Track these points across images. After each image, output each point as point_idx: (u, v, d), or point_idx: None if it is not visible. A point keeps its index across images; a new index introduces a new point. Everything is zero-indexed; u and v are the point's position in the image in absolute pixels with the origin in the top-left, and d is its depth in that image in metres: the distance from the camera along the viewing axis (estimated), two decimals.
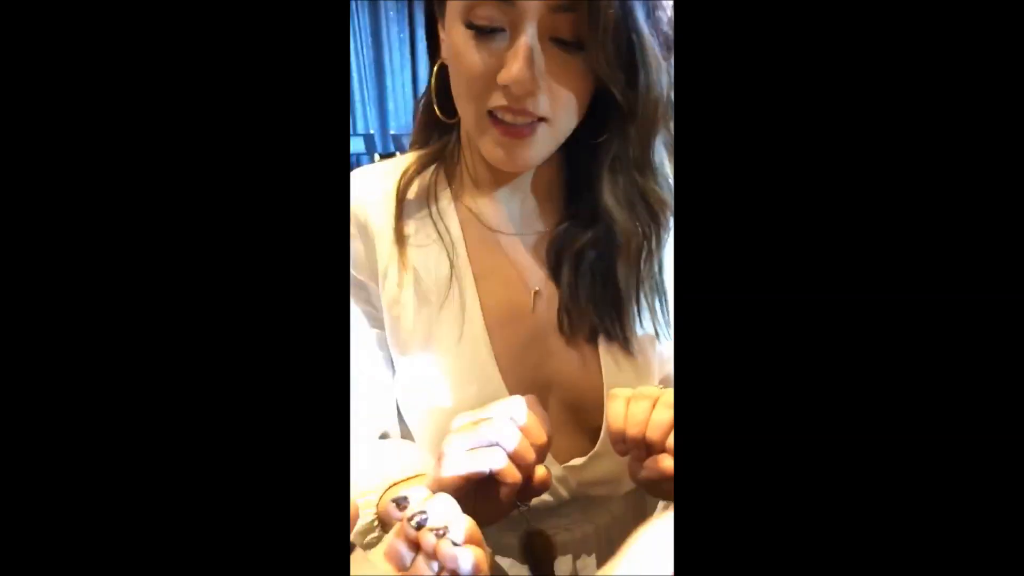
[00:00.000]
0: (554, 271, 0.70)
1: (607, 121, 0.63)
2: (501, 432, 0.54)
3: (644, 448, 0.57)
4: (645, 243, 0.68)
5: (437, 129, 0.73)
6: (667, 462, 0.56)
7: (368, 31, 5.15)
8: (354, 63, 5.13)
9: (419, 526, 0.46)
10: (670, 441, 0.56)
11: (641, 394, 0.58)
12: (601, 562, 0.75)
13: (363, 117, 5.25)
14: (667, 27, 0.61)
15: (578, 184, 0.69)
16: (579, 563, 0.74)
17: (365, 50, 5.18)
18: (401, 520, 0.47)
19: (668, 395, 0.58)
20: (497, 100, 0.59)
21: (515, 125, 0.60)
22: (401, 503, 0.49)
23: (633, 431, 0.57)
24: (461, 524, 0.47)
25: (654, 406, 0.57)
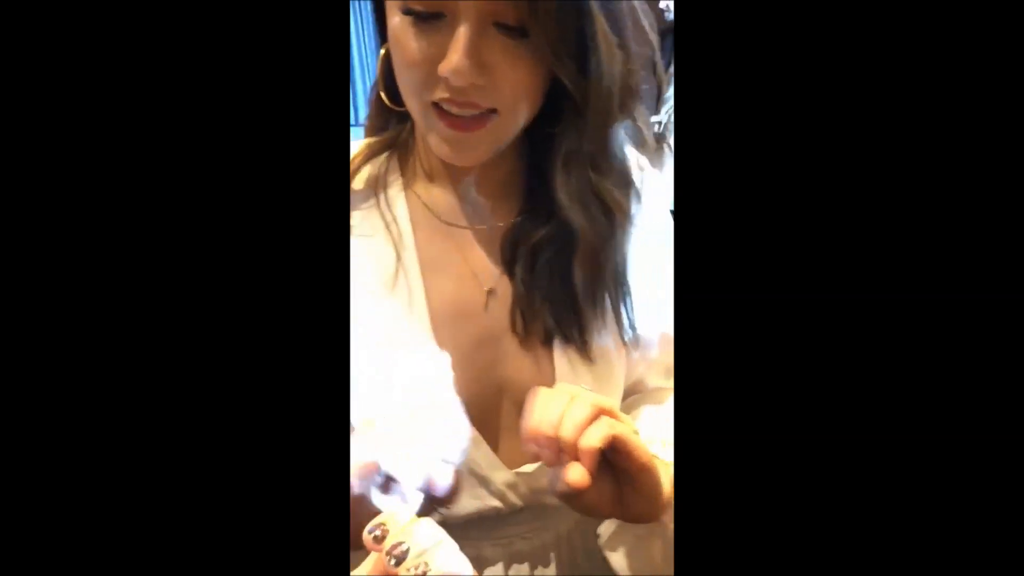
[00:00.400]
0: (509, 268, 0.66)
1: (561, 111, 0.59)
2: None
3: (556, 451, 0.51)
4: (602, 244, 0.63)
5: (393, 115, 0.68)
6: (574, 473, 0.49)
7: (371, 19, 5.12)
8: (355, 53, 5.11)
9: (398, 561, 0.41)
10: (586, 443, 0.50)
11: (561, 391, 0.54)
12: (561, 570, 0.72)
13: (365, 107, 5.24)
14: (628, 13, 0.58)
15: (535, 176, 0.65)
16: (536, 572, 0.71)
17: (367, 39, 5.16)
18: (379, 553, 0.42)
19: (589, 394, 0.53)
20: (441, 92, 0.55)
21: (463, 117, 0.56)
22: (378, 533, 0.43)
23: (545, 429, 0.51)
24: (448, 550, 0.43)
25: (571, 402, 0.52)
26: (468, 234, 0.67)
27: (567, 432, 0.50)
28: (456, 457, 0.50)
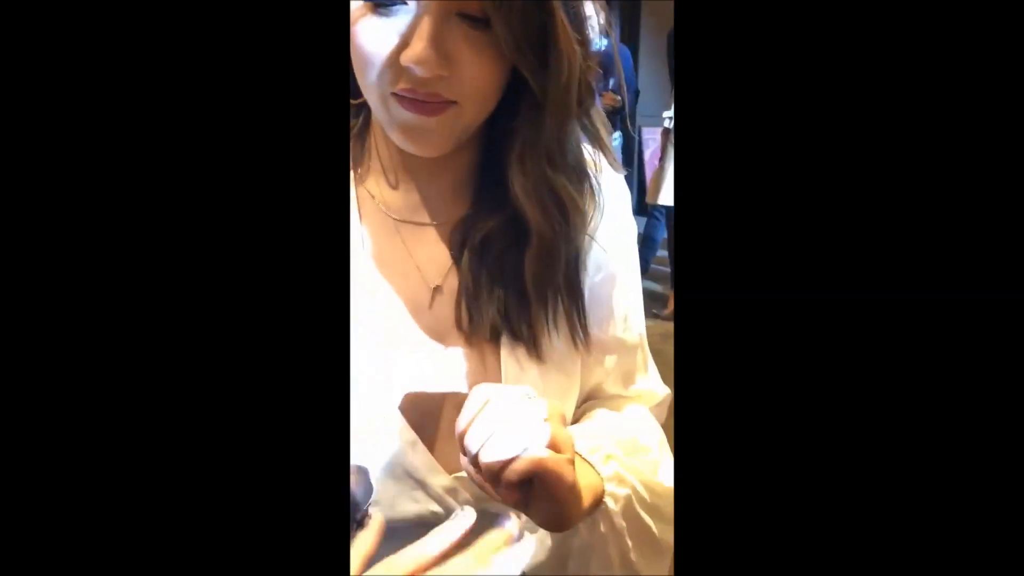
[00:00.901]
0: (457, 263, 0.65)
1: (519, 105, 0.58)
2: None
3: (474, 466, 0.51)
4: (555, 239, 0.62)
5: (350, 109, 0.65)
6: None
7: None
8: None
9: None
10: (486, 457, 0.49)
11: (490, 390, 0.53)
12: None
13: None
14: (590, 11, 0.57)
15: (492, 168, 0.64)
16: None
17: None
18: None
19: (505, 392, 0.52)
20: (403, 83, 0.53)
21: (425, 102, 0.54)
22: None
23: (464, 452, 0.51)
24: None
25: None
26: (418, 231, 0.66)
27: (467, 441, 0.50)
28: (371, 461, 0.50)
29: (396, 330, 0.63)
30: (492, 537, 0.46)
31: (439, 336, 0.64)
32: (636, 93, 4.30)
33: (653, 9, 5.53)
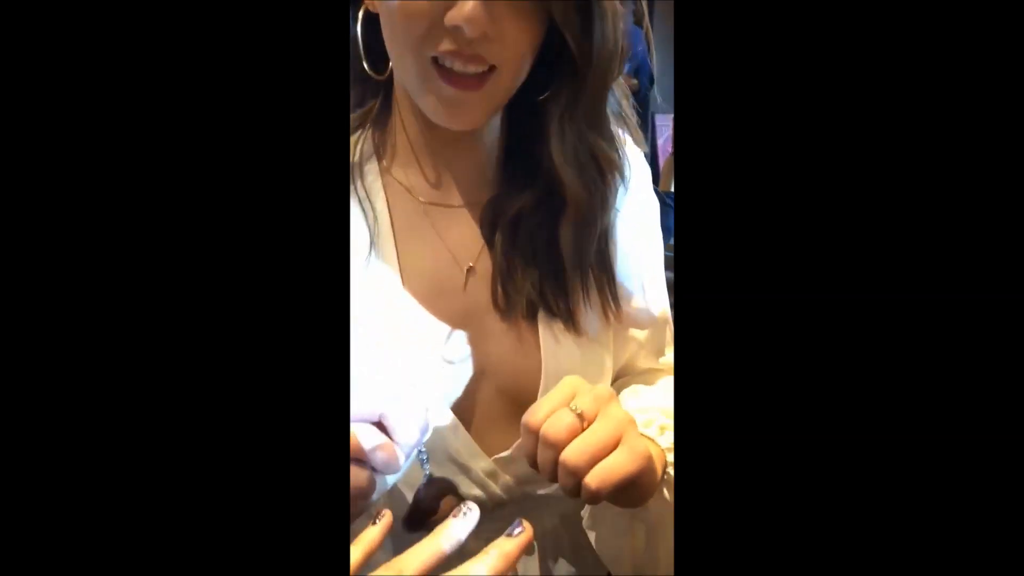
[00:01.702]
0: (489, 243, 0.64)
1: (555, 74, 0.58)
2: None
3: (557, 469, 0.50)
4: (592, 204, 0.62)
5: (368, 88, 0.64)
6: (597, 486, 0.48)
7: None
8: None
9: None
10: (595, 486, 0.48)
11: (588, 392, 0.52)
12: (545, 566, 0.70)
13: None
14: None
15: (520, 147, 0.63)
16: (520, 568, 0.69)
17: None
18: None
19: (616, 408, 0.52)
20: (446, 44, 0.52)
21: (465, 75, 0.53)
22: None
23: (545, 444, 0.50)
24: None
25: (587, 423, 0.50)
26: (447, 213, 0.65)
27: (573, 458, 0.49)
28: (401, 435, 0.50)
29: (430, 313, 0.62)
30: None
31: (476, 317, 0.64)
32: (651, 78, 4.28)
33: None
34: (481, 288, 0.65)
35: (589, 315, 0.65)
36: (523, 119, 0.62)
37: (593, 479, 0.49)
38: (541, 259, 0.63)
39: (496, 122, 0.63)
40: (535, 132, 0.61)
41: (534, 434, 0.50)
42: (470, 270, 0.65)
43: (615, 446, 0.50)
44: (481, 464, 0.63)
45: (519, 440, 0.59)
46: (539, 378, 0.63)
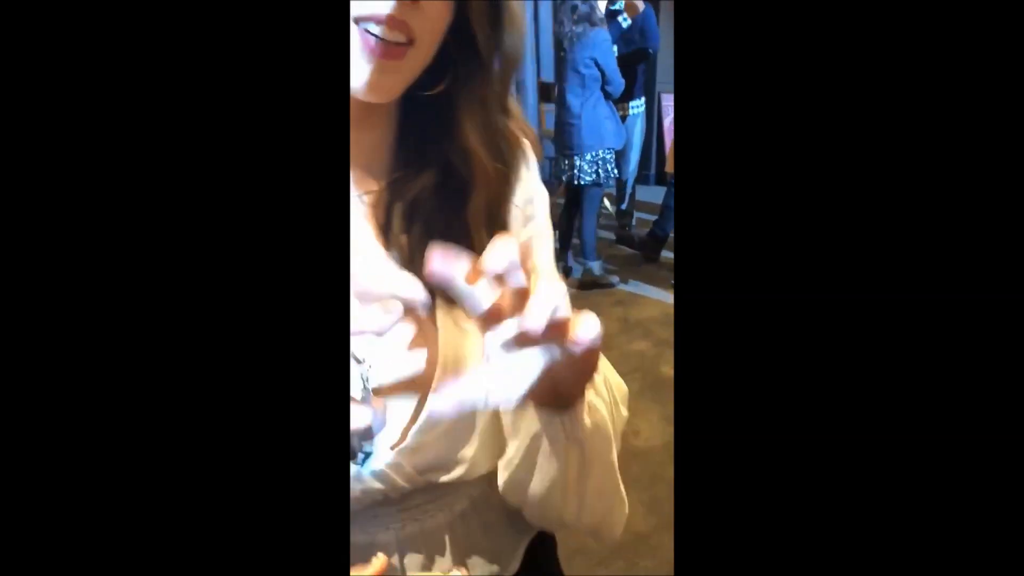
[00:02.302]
0: (385, 228, 0.64)
1: (457, 64, 0.61)
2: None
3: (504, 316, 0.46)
4: (504, 185, 0.65)
5: None
6: (587, 326, 0.43)
7: None
8: None
9: None
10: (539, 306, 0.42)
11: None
12: (458, 551, 0.71)
13: None
14: None
15: (413, 133, 0.65)
16: (425, 557, 0.70)
17: None
18: None
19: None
20: (375, 7, 0.53)
21: (388, 43, 0.54)
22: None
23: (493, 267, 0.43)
24: None
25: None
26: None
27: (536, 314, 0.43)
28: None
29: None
30: None
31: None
32: (655, 52, 4.25)
33: None
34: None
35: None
36: (418, 107, 0.63)
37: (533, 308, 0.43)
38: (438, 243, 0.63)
39: (383, 114, 0.65)
40: (434, 119, 0.63)
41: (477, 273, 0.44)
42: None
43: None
44: (382, 458, 0.63)
45: (416, 426, 0.61)
46: (435, 368, 0.63)
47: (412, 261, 0.63)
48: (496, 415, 0.68)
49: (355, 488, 0.64)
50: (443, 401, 0.46)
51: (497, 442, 0.68)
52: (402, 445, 0.64)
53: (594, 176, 3.76)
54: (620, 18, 4.16)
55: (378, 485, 0.64)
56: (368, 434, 0.61)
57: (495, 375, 0.45)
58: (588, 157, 3.72)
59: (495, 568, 0.74)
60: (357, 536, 0.68)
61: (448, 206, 0.64)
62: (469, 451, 0.68)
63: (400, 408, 0.64)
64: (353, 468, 0.62)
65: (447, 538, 0.71)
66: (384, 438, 0.63)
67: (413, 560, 0.70)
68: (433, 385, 0.63)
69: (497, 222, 0.65)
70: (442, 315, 0.64)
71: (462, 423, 0.67)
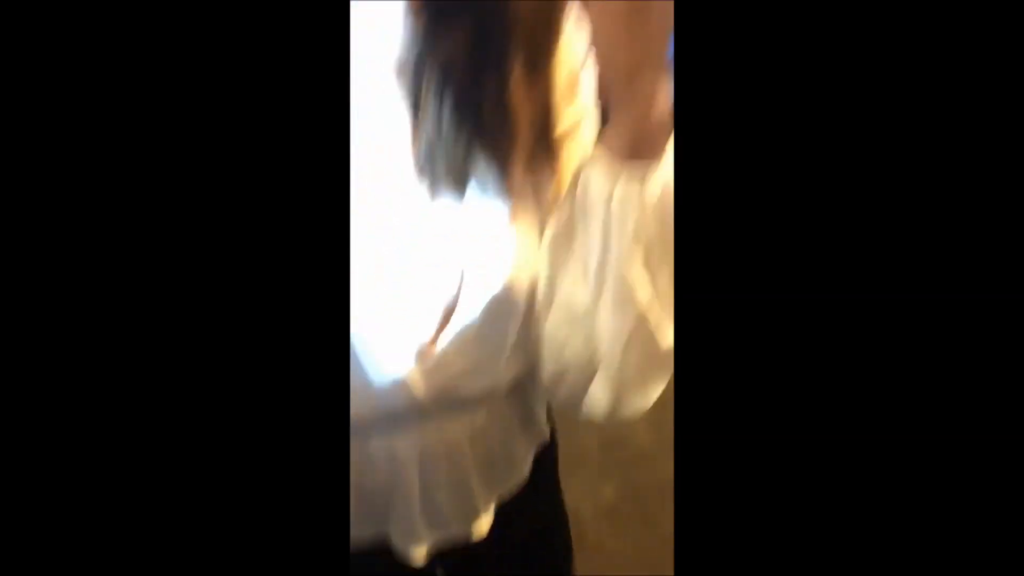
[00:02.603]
0: (414, 105, 0.56)
1: None
2: None
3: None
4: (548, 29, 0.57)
5: None
6: None
7: None
8: None
9: None
10: None
11: None
12: (478, 468, 0.70)
13: None
14: None
15: None
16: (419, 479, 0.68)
17: None
18: None
19: None
20: None
21: None
22: None
23: None
24: None
25: None
26: None
27: None
28: None
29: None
30: None
31: None
32: None
33: None
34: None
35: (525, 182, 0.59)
36: None
37: None
38: (472, 118, 0.55)
39: None
40: None
41: None
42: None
43: None
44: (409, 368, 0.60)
45: (447, 331, 0.58)
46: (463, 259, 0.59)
47: (440, 144, 0.56)
48: (531, 323, 0.63)
49: (378, 395, 0.61)
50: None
51: (526, 354, 0.65)
52: (431, 351, 0.61)
53: None
54: None
55: (402, 392, 0.61)
56: None
57: None
58: None
59: (509, 477, 0.74)
60: (376, 446, 0.65)
61: (489, 70, 0.55)
62: (499, 362, 0.64)
63: (430, 310, 0.60)
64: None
65: (468, 450, 0.69)
66: (412, 342, 0.60)
67: (436, 470, 0.68)
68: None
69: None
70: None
71: (495, 331, 0.62)
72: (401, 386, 0.61)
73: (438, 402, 0.64)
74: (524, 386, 0.70)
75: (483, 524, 0.72)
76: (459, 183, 0.57)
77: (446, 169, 0.56)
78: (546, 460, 0.79)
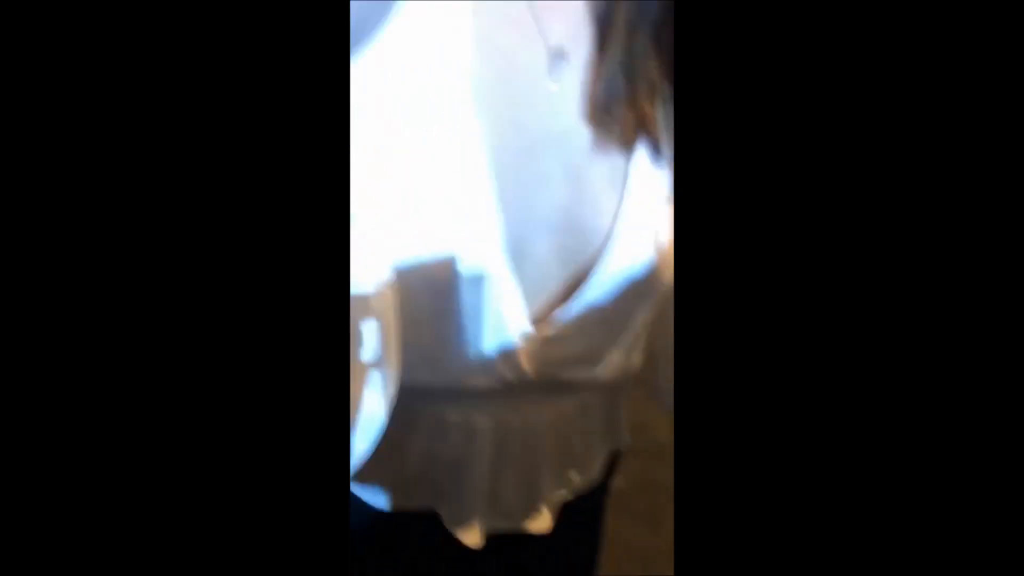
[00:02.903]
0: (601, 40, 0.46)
1: None
2: None
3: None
4: None
5: None
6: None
7: None
8: None
9: None
10: None
11: None
12: (554, 460, 0.63)
13: None
14: None
15: None
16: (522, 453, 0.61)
17: None
18: None
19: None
20: None
21: None
22: None
23: None
24: None
25: None
26: None
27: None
28: None
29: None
30: None
31: (556, 133, 0.49)
32: None
33: None
34: (572, 84, 0.47)
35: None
36: None
37: None
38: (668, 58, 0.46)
39: None
40: None
41: None
42: (558, 53, 0.46)
43: None
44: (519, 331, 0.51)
45: (566, 309, 0.49)
46: (607, 229, 0.49)
47: (631, 71, 0.47)
48: (664, 316, 0.57)
49: (468, 370, 0.53)
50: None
51: (641, 350, 0.60)
52: (543, 330, 0.52)
53: None
54: None
55: (498, 369, 0.53)
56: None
57: None
58: None
59: (580, 476, 0.67)
60: (451, 415, 0.58)
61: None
62: (612, 353, 0.56)
63: (549, 280, 0.51)
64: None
65: (548, 440, 0.61)
66: (520, 316, 0.51)
67: (510, 453, 0.60)
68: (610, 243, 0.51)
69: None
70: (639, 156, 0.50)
71: (622, 317, 0.54)
72: (503, 361, 0.52)
73: (533, 384, 0.55)
74: (620, 384, 0.63)
75: (543, 520, 0.65)
76: (630, 137, 0.48)
77: (623, 117, 0.47)
78: (611, 464, 0.73)
